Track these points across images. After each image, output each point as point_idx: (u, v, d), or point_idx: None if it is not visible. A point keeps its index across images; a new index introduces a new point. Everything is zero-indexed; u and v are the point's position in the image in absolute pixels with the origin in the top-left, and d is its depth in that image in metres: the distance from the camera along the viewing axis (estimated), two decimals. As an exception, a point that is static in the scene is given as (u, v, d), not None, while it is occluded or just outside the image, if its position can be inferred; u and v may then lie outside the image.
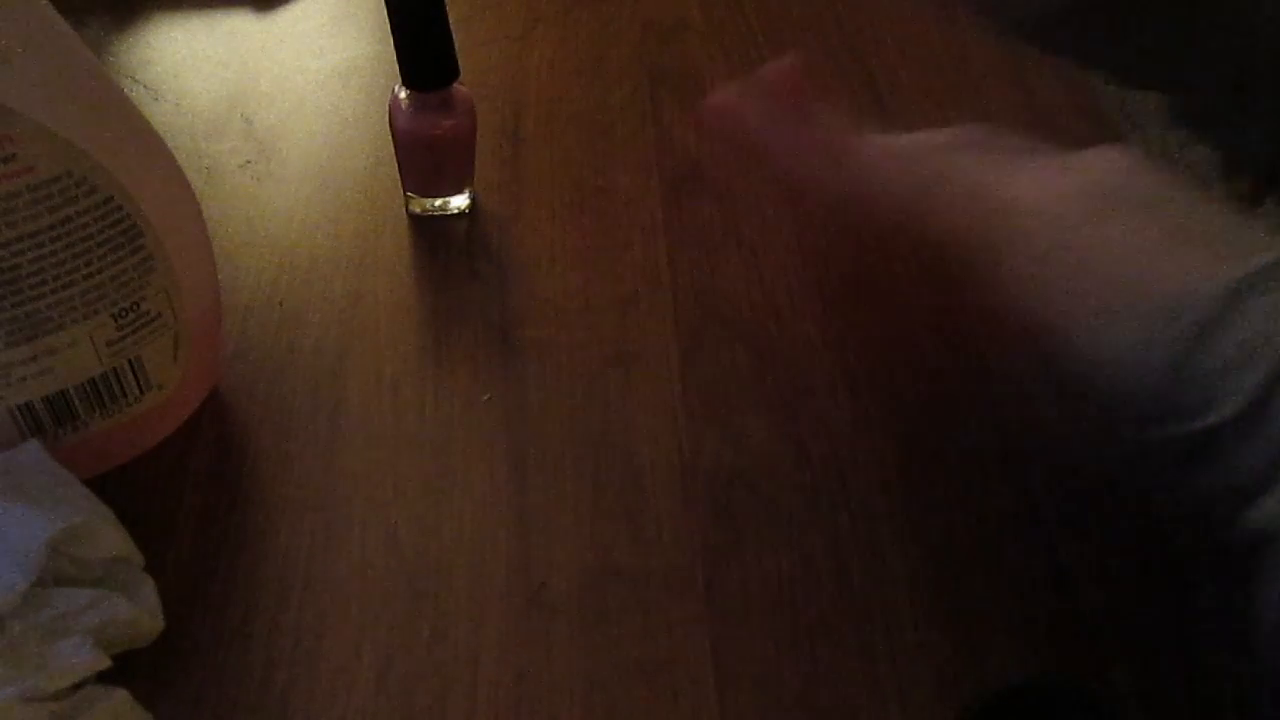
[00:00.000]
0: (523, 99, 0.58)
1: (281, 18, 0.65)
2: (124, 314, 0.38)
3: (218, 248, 0.48)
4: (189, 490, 0.41)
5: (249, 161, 0.55)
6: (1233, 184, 0.45)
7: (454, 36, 0.47)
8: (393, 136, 0.49)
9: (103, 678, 0.34)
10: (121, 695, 0.33)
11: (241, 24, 0.64)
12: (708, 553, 0.38)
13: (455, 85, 0.48)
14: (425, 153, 0.49)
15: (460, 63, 0.48)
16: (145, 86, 0.59)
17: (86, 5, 0.65)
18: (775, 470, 0.41)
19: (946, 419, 0.42)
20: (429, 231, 0.51)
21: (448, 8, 0.46)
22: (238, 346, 0.46)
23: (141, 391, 0.40)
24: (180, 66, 0.61)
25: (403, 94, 0.48)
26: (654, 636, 0.36)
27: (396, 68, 0.47)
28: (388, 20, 0.46)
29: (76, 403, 0.39)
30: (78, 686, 0.33)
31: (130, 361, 0.39)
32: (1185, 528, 0.36)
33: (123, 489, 0.40)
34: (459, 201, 0.51)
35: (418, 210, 0.52)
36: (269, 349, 0.46)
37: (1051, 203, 0.32)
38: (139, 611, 0.35)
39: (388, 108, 0.49)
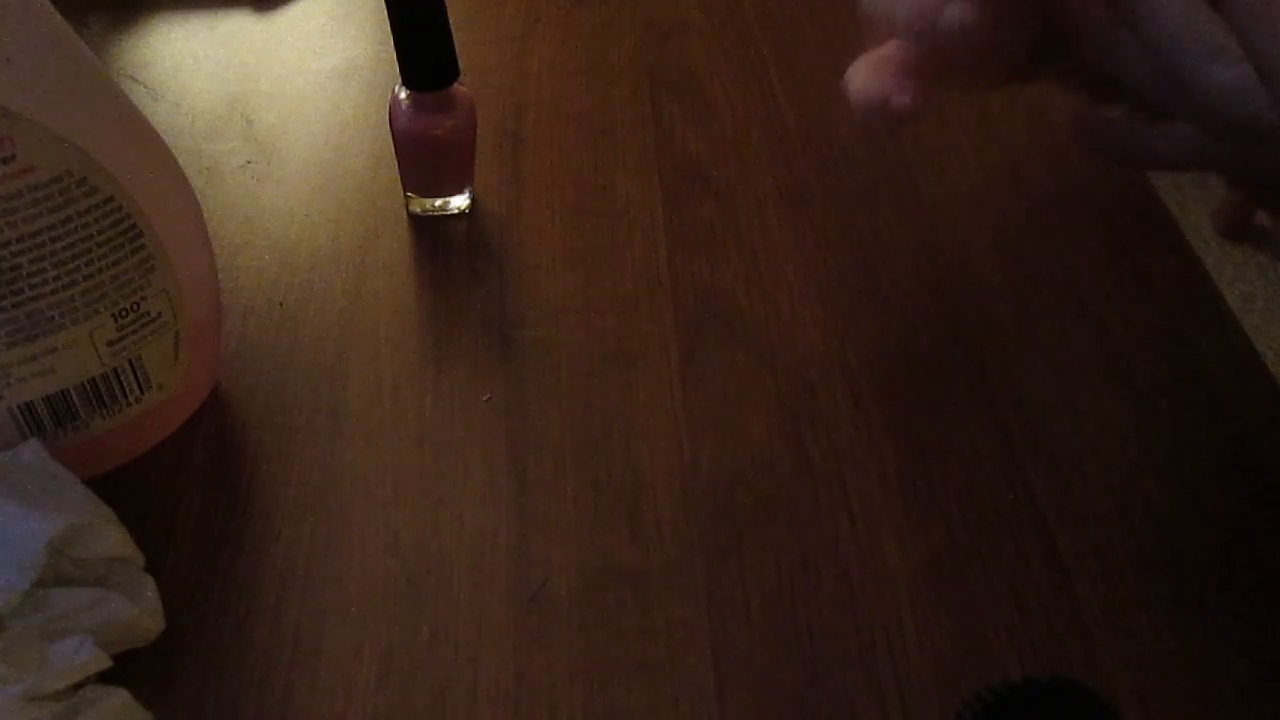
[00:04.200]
0: (523, 99, 0.58)
1: (281, 18, 0.65)
2: (124, 314, 0.38)
3: (218, 248, 0.48)
4: (189, 490, 0.41)
5: (249, 161, 0.55)
6: None
7: (454, 36, 0.47)
8: (393, 136, 0.49)
9: (103, 678, 0.34)
10: (121, 695, 0.33)
11: (241, 24, 0.64)
12: (708, 553, 0.38)
13: (455, 85, 0.48)
14: (425, 153, 0.49)
15: (460, 63, 0.48)
16: (145, 86, 0.60)
17: (86, 5, 0.65)
18: (775, 470, 0.41)
19: (946, 419, 0.42)
20: (429, 231, 0.51)
21: (448, 8, 0.46)
22: (238, 346, 0.46)
23: (142, 391, 0.40)
24: (180, 66, 0.61)
25: (403, 94, 0.48)
26: (654, 636, 0.36)
27: (396, 68, 0.47)
28: (388, 20, 0.46)
29: (77, 403, 0.39)
30: (78, 686, 0.33)
31: (130, 361, 0.39)
32: None
33: (123, 489, 0.40)
34: (459, 201, 0.51)
35: (418, 210, 0.52)
36: (269, 349, 0.46)
37: None
38: (139, 611, 0.35)
39: (388, 108, 0.49)
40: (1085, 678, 0.35)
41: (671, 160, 0.54)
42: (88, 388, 0.39)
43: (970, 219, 0.51)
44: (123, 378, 0.39)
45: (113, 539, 0.36)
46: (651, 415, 0.43)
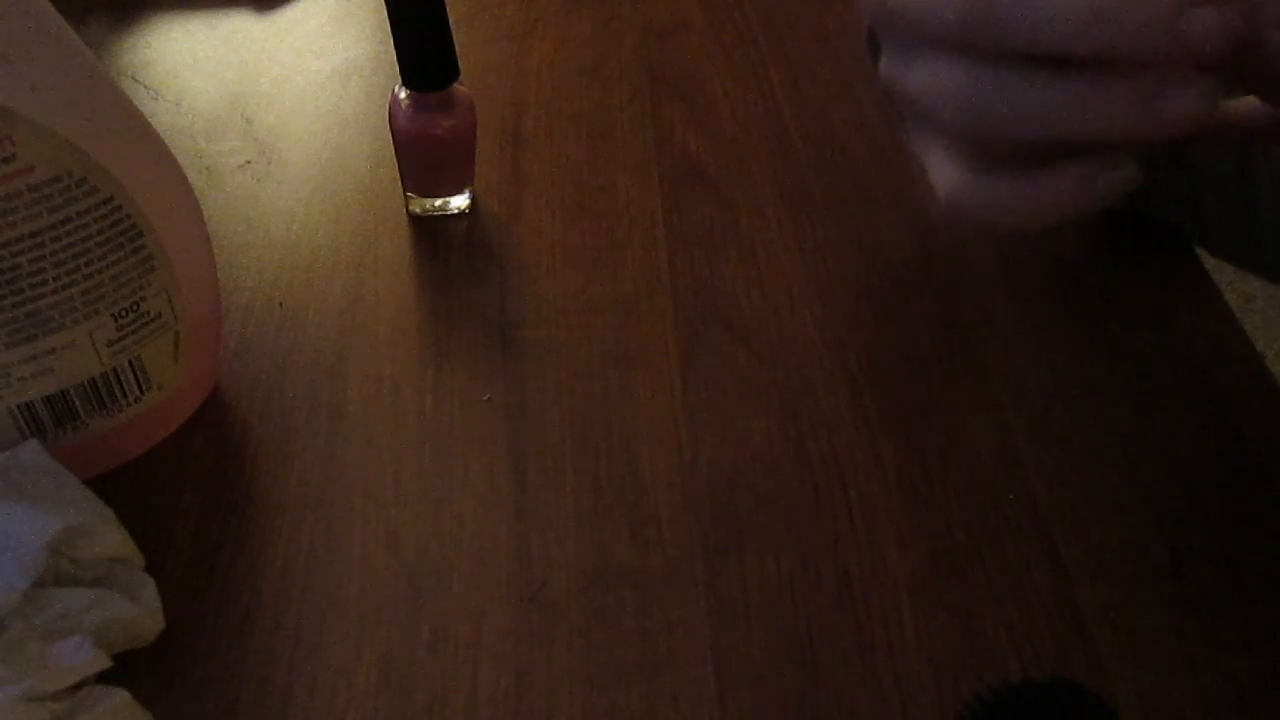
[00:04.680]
0: (523, 99, 0.58)
1: (281, 18, 0.65)
2: (124, 314, 0.38)
3: (218, 248, 0.48)
4: (189, 490, 0.41)
5: (249, 161, 0.55)
6: None
7: (454, 36, 0.47)
8: (393, 136, 0.49)
9: (103, 678, 0.34)
10: (121, 695, 0.33)
11: (241, 24, 0.64)
12: (708, 553, 0.38)
13: (455, 85, 0.48)
14: (425, 153, 0.49)
15: (460, 63, 0.48)
16: (145, 86, 0.60)
17: (86, 5, 0.65)
18: (775, 470, 0.41)
19: (946, 419, 0.42)
20: (429, 231, 0.51)
21: (448, 8, 0.46)
22: (238, 346, 0.46)
23: (142, 391, 0.40)
24: (180, 66, 0.61)
25: (403, 94, 0.48)
26: (654, 636, 0.36)
27: (396, 68, 0.47)
28: (388, 20, 0.47)
29: (76, 403, 0.39)
30: (78, 686, 0.33)
31: (130, 361, 0.39)
32: None
33: (123, 489, 0.40)
34: (459, 201, 0.51)
35: (418, 210, 0.52)
36: (269, 349, 0.46)
37: None
38: (139, 611, 0.35)
39: (388, 108, 0.49)
40: (1085, 678, 0.35)
41: (671, 160, 0.54)
42: (88, 388, 0.39)
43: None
44: (123, 378, 0.39)
45: (113, 539, 0.36)
46: (651, 415, 0.43)
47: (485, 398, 0.44)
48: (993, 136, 0.27)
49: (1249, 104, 0.36)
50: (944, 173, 0.29)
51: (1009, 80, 0.26)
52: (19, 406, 0.38)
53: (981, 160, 0.28)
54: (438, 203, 0.51)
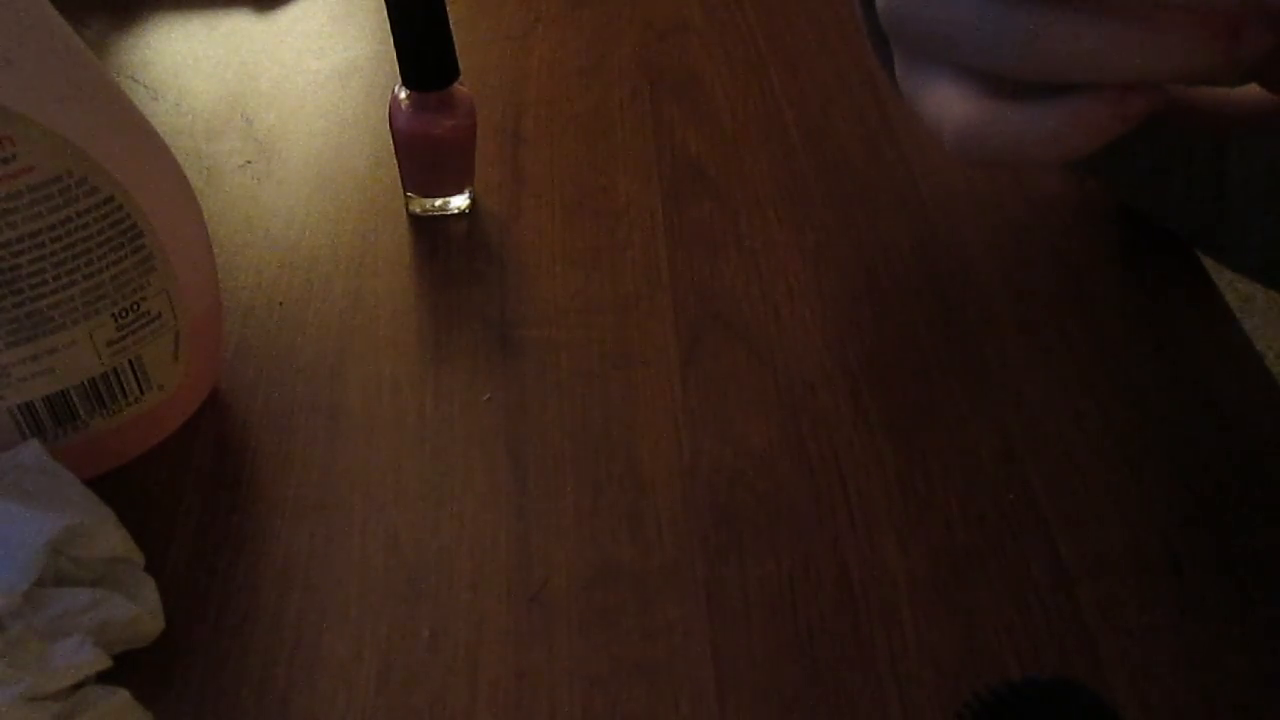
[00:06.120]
0: (523, 99, 0.58)
1: (281, 18, 0.65)
2: (124, 314, 0.38)
3: (218, 248, 0.49)
4: (189, 490, 0.41)
5: (249, 161, 0.55)
6: None
7: (454, 36, 0.47)
8: (393, 136, 0.49)
9: (103, 678, 0.34)
10: (121, 695, 0.33)
11: (241, 24, 0.64)
12: (708, 553, 0.38)
13: (455, 85, 0.48)
14: (425, 153, 0.49)
15: (460, 63, 0.48)
16: (145, 86, 0.60)
17: (86, 5, 0.65)
18: (775, 470, 0.41)
19: (946, 419, 0.42)
20: (429, 231, 0.51)
21: (448, 8, 0.46)
22: (238, 346, 0.46)
23: (142, 391, 0.40)
24: (180, 66, 0.61)
25: (403, 94, 0.48)
26: (654, 636, 0.36)
27: (396, 68, 0.47)
28: (388, 20, 0.47)
29: (77, 403, 0.39)
30: (78, 686, 0.33)
31: (130, 361, 0.39)
32: None
33: (123, 489, 0.40)
34: (459, 201, 0.51)
35: (418, 210, 0.52)
36: (269, 349, 0.46)
37: None
38: (139, 611, 0.35)
39: (388, 108, 0.49)
40: (1085, 678, 0.35)
41: (671, 160, 0.54)
42: (88, 388, 0.39)
43: (970, 219, 0.51)
44: (123, 378, 0.39)
45: (113, 539, 0.36)
46: (651, 415, 0.43)
47: (485, 398, 0.44)
48: (1045, 79, 0.24)
49: (1246, 92, 0.35)
50: (956, 109, 0.26)
51: (1077, 20, 0.23)
52: (19, 406, 0.38)
53: (1002, 90, 0.25)
54: (438, 203, 0.51)
